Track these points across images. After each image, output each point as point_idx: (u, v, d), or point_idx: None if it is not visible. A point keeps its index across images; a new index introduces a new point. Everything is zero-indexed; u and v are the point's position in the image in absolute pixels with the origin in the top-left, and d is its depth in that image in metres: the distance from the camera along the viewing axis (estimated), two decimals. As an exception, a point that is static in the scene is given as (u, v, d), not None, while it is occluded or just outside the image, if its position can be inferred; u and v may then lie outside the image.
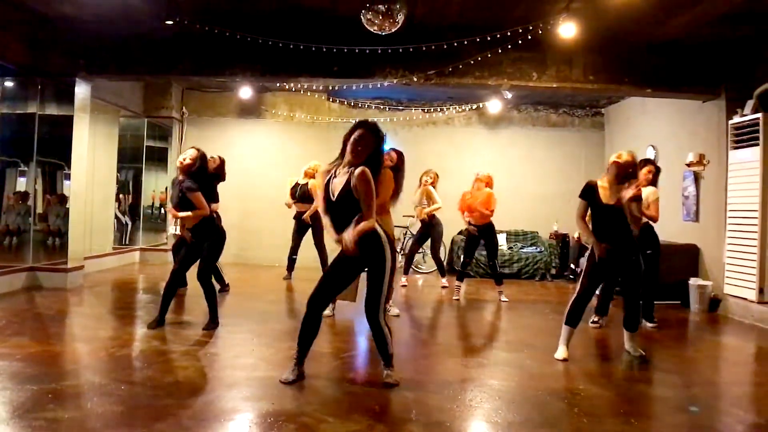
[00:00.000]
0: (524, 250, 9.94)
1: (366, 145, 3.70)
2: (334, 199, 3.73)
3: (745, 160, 6.61)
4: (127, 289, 7.60)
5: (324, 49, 6.72)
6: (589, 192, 4.74)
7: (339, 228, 3.73)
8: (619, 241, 4.64)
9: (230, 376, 3.99)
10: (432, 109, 10.62)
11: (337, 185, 3.73)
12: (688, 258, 7.50)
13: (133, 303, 6.82)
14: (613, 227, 4.66)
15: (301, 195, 8.13)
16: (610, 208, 4.64)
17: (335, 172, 3.79)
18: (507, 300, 7.33)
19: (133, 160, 10.20)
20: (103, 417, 3.14)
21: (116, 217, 10.00)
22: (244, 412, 3.35)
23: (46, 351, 4.37)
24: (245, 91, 9.58)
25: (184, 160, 5.22)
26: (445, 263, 9.28)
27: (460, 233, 9.78)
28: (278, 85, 8.97)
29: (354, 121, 3.90)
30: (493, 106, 9.91)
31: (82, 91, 7.30)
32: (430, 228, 8.24)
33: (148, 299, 6.85)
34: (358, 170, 3.63)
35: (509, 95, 8.50)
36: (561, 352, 4.63)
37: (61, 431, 2.92)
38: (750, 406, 3.85)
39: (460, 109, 10.50)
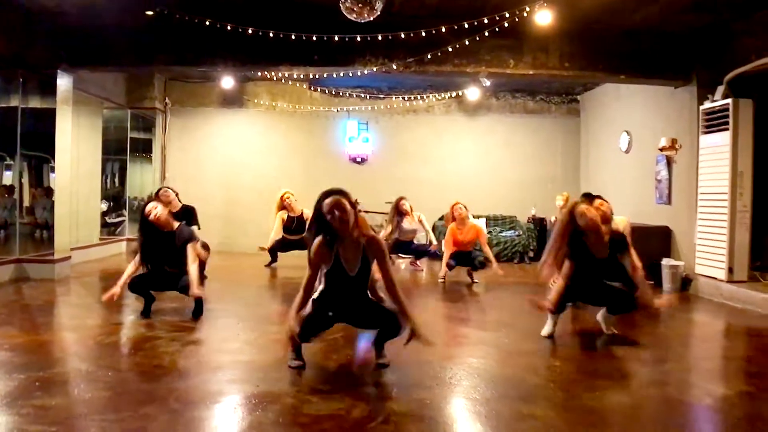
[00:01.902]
0: (503, 234, 10.10)
1: (346, 211, 3.68)
2: (353, 274, 3.79)
3: (715, 144, 6.77)
4: (113, 279, 7.55)
5: (304, 38, 6.74)
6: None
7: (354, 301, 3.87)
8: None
9: (216, 360, 4.07)
10: (412, 97, 10.71)
11: (350, 258, 3.78)
12: (661, 239, 7.67)
13: (120, 292, 6.86)
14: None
15: (297, 227, 8.21)
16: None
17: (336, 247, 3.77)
18: (477, 282, 7.62)
19: (118, 151, 10.21)
20: (90, 403, 3.19)
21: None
22: (229, 394, 3.41)
23: (33, 340, 4.42)
24: (227, 81, 9.59)
25: (159, 216, 5.13)
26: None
27: (440, 219, 9.90)
28: (260, 74, 9.00)
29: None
30: (472, 93, 10.03)
31: (63, 83, 7.28)
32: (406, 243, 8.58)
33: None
34: (375, 241, 3.82)
35: (487, 83, 8.60)
36: (546, 330, 4.75)
37: (48, 418, 2.93)
38: (719, 380, 3.98)
39: (439, 97, 10.61)
